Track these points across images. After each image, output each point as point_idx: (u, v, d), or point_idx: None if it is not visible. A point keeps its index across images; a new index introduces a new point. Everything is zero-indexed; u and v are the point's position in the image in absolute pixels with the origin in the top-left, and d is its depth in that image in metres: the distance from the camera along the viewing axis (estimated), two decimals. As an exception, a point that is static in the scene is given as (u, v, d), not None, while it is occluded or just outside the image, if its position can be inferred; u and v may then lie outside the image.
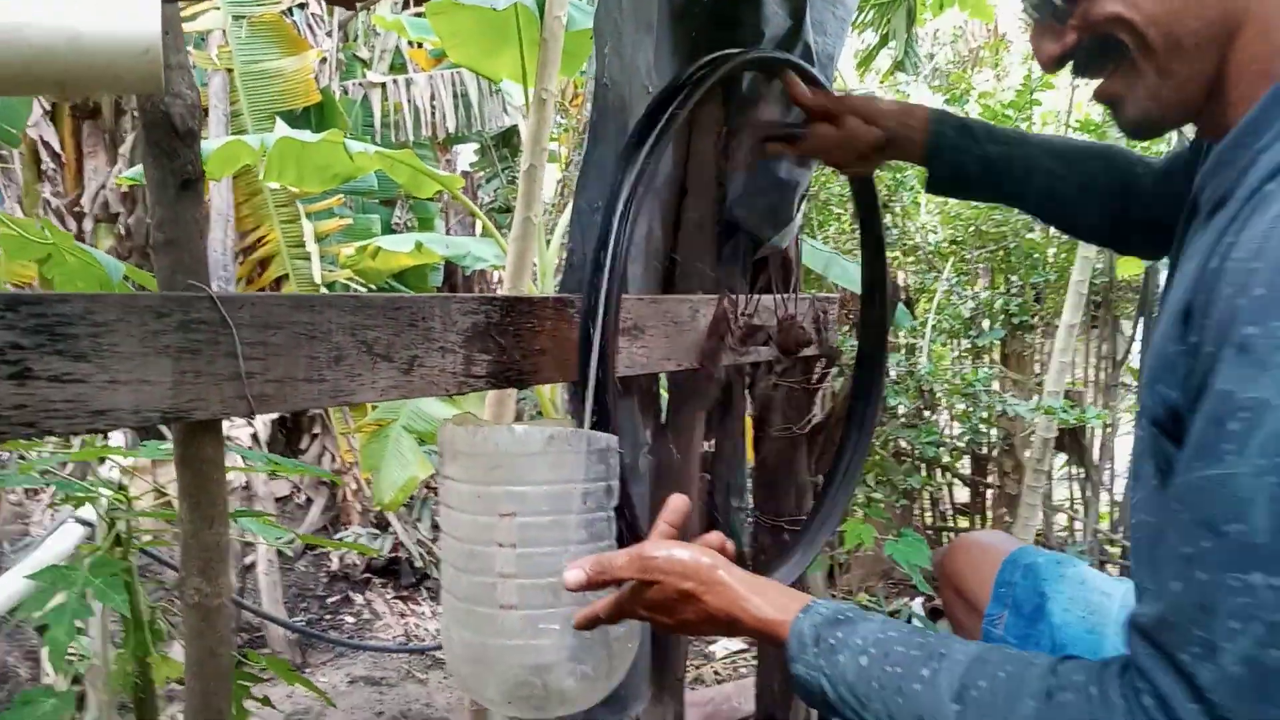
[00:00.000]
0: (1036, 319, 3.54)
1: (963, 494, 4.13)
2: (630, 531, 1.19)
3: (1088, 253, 2.77)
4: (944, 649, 0.76)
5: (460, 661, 1.09)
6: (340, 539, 4.44)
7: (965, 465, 3.98)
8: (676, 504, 0.99)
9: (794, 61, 1.50)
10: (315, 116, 4.57)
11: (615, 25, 1.38)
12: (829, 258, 3.00)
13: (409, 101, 5.39)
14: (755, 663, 2.74)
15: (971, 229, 3.58)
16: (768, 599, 0.86)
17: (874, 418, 1.74)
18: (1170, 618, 0.64)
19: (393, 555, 4.47)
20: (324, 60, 4.91)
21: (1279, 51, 0.72)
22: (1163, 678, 0.63)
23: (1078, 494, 3.80)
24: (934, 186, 1.35)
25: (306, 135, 3.07)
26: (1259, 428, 0.59)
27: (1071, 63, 0.84)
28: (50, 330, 0.76)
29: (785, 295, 1.62)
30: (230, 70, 4.25)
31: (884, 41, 3.98)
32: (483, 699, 1.06)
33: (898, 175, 3.49)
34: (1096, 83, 0.85)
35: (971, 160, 1.27)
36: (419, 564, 4.43)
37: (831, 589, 3.47)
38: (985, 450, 3.75)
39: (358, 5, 1.48)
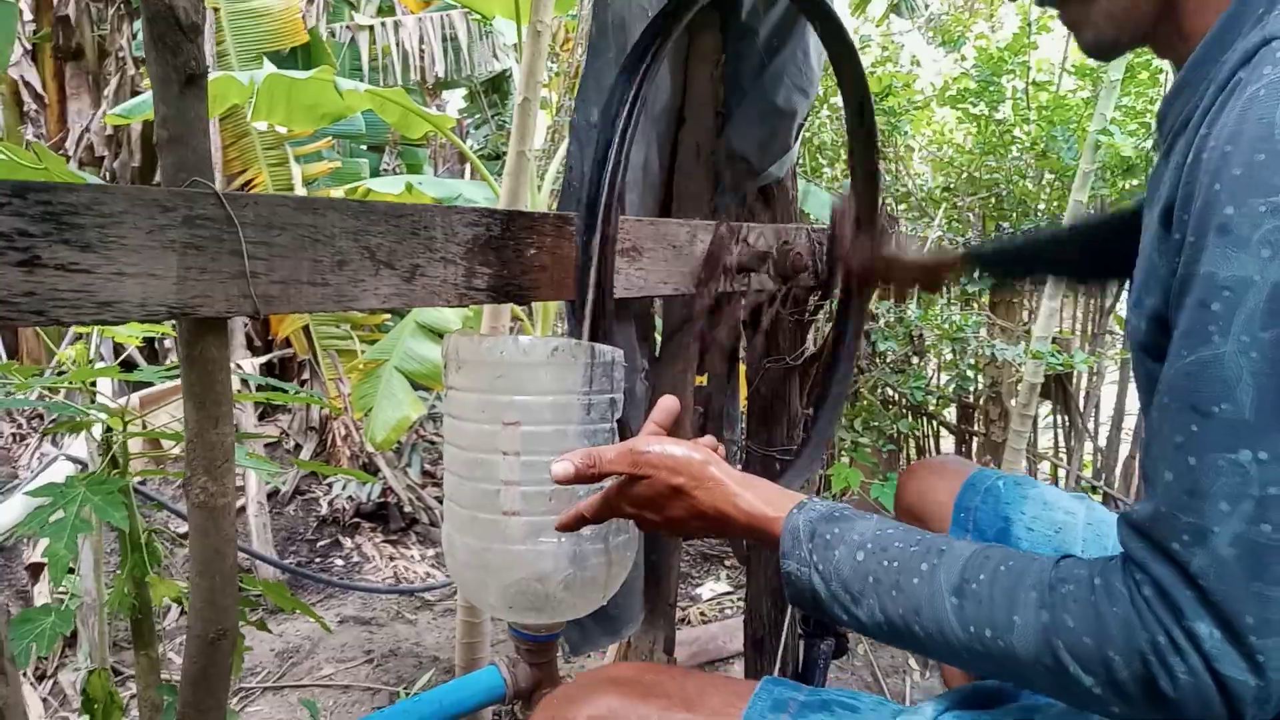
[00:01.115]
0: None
1: (948, 443, 4.17)
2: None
3: (1080, 197, 2.78)
4: (944, 545, 0.76)
5: (463, 567, 1.10)
6: (330, 482, 4.45)
7: (951, 414, 4.02)
8: (667, 404, 0.97)
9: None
10: (302, 58, 4.51)
11: (615, -59, 1.37)
12: (805, 187, 3.00)
13: (397, 45, 5.33)
14: (742, 604, 2.78)
15: (964, 175, 3.59)
16: (760, 495, 0.85)
17: (857, 346, 1.76)
18: (1162, 508, 0.64)
19: (381, 500, 4.50)
20: (311, 1, 4.83)
21: None
22: (1157, 568, 0.64)
23: (1063, 442, 3.84)
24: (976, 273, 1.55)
25: (295, 73, 3.03)
26: (1241, 305, 0.60)
27: None
28: (57, 219, 0.76)
29: (783, 224, 1.62)
30: (216, 9, 4.18)
31: (879, -15, 3.95)
32: (483, 603, 1.08)
33: (892, 120, 3.48)
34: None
35: (1009, 256, 1.49)
36: (408, 509, 4.45)
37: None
38: (972, 398, 3.79)
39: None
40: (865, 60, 4.35)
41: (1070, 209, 2.81)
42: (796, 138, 1.76)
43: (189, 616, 0.98)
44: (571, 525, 0.94)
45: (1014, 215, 3.47)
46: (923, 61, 4.98)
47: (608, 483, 0.91)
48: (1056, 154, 3.23)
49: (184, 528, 3.62)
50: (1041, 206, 3.46)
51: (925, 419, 3.95)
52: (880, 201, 1.75)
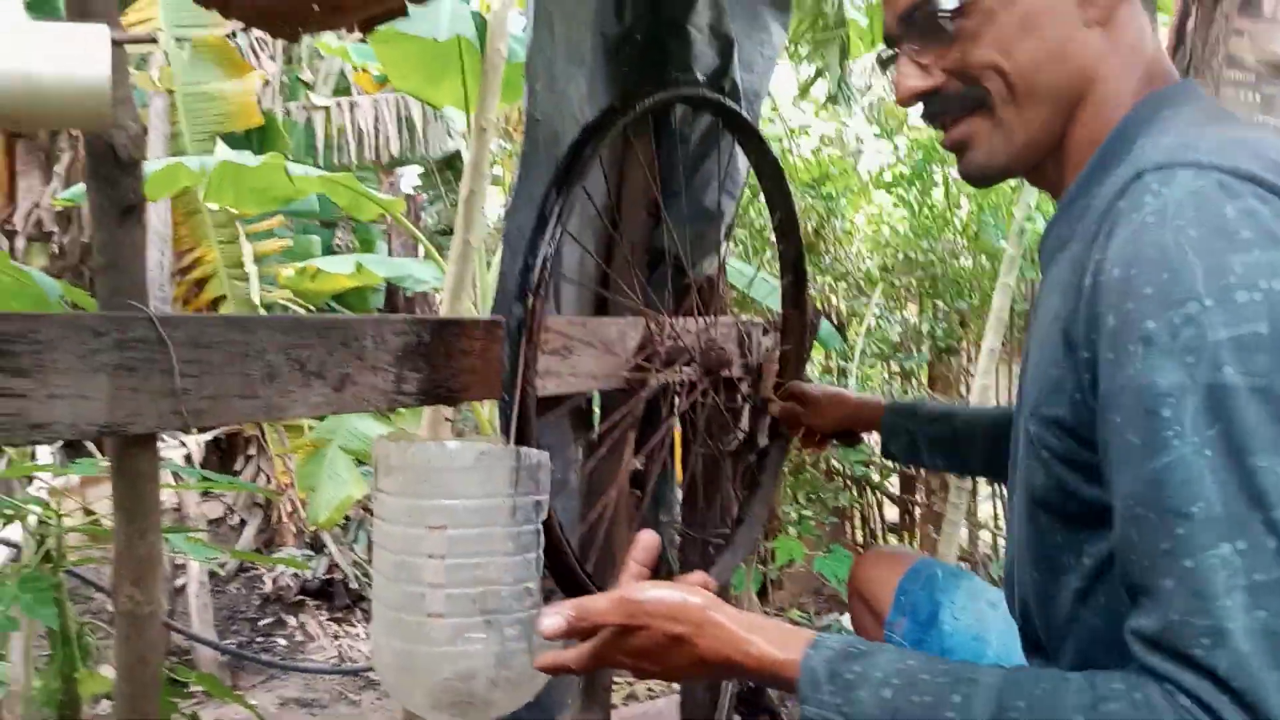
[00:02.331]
0: (961, 343, 3.68)
1: (893, 512, 4.25)
2: (554, 546, 1.25)
3: (1008, 280, 2.90)
4: (971, 674, 0.73)
5: (389, 669, 1.13)
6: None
7: (895, 483, 4.09)
8: (648, 541, 0.93)
9: (716, 99, 1.58)
10: (257, 139, 4.57)
11: (547, 62, 1.45)
12: (752, 274, 3.10)
13: (353, 124, 5.41)
14: (688, 680, 2.79)
15: (900, 256, 3.72)
16: (768, 637, 0.80)
17: (788, 442, 1.83)
18: (1173, 616, 0.65)
19: (327, 577, 4.44)
20: (267, 83, 4.91)
21: (1108, 125, 0.83)
22: (1188, 677, 0.64)
23: (1001, 511, 3.93)
24: (894, 457, 1.61)
25: (247, 158, 3.09)
26: (1185, 410, 0.65)
27: (925, 103, 0.90)
28: (-8, 347, 0.80)
29: (709, 319, 1.69)
30: (171, 91, 4.24)
31: (819, 75, 4.11)
32: (411, 705, 1.10)
33: (830, 204, 3.61)
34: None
35: (920, 437, 1.51)
36: (354, 585, 4.40)
37: (764, 605, 3.55)
38: (914, 469, 3.87)
39: (300, 35, 1.52)
40: (807, 144, 4.52)
41: (998, 290, 2.93)
42: (726, 238, 1.84)
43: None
44: (554, 672, 0.91)
45: (948, 295, 3.60)
46: (865, 144, 5.17)
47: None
48: (987, 237, 3.37)
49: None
50: (974, 286, 3.59)
51: (869, 490, 4.02)
52: (808, 332, 1.84)
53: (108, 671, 1.57)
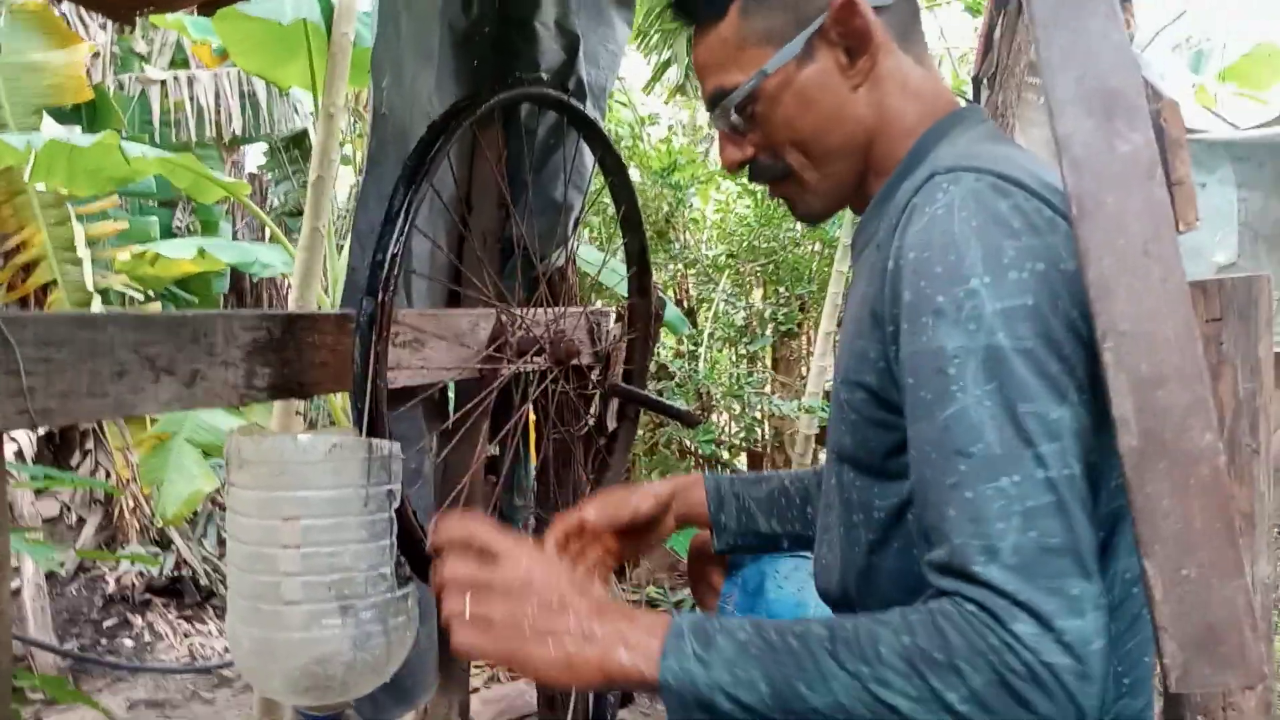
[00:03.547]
0: (802, 326, 3.88)
1: (743, 489, 4.44)
2: (408, 533, 1.30)
3: (842, 267, 3.08)
4: (812, 619, 0.81)
5: (248, 656, 1.16)
6: (118, 557, 4.23)
7: (743, 461, 4.28)
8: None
9: (560, 98, 1.65)
10: (88, 113, 4.33)
11: (395, 57, 1.48)
12: (600, 259, 3.20)
13: (192, 100, 5.19)
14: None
15: (745, 244, 3.88)
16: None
17: (637, 415, 1.92)
18: (955, 540, 0.76)
19: (175, 574, 4.30)
20: (97, 55, 4.65)
21: (899, 153, 0.99)
22: (970, 589, 0.74)
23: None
24: (732, 543, 1.35)
25: (78, 137, 2.95)
26: (967, 369, 0.77)
27: (750, 169, 1.05)
28: None
29: (558, 310, 1.76)
30: (-13, 62, 3.97)
31: (667, 64, 4.22)
32: (270, 691, 1.14)
33: (678, 193, 3.73)
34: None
35: (745, 502, 1.33)
36: (204, 582, 4.28)
37: (620, 582, 3.66)
38: (760, 447, 4.06)
39: (135, 19, 1.48)
40: (657, 132, 4.63)
41: (834, 276, 3.11)
42: (574, 229, 1.91)
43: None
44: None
45: (789, 281, 3.78)
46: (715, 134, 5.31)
47: None
48: (824, 227, 3.56)
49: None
50: (813, 273, 3.79)
51: (719, 468, 4.19)
52: (653, 319, 1.92)
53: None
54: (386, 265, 1.27)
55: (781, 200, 1.08)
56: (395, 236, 1.28)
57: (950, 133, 0.97)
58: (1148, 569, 0.72)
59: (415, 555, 1.37)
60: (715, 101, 1.01)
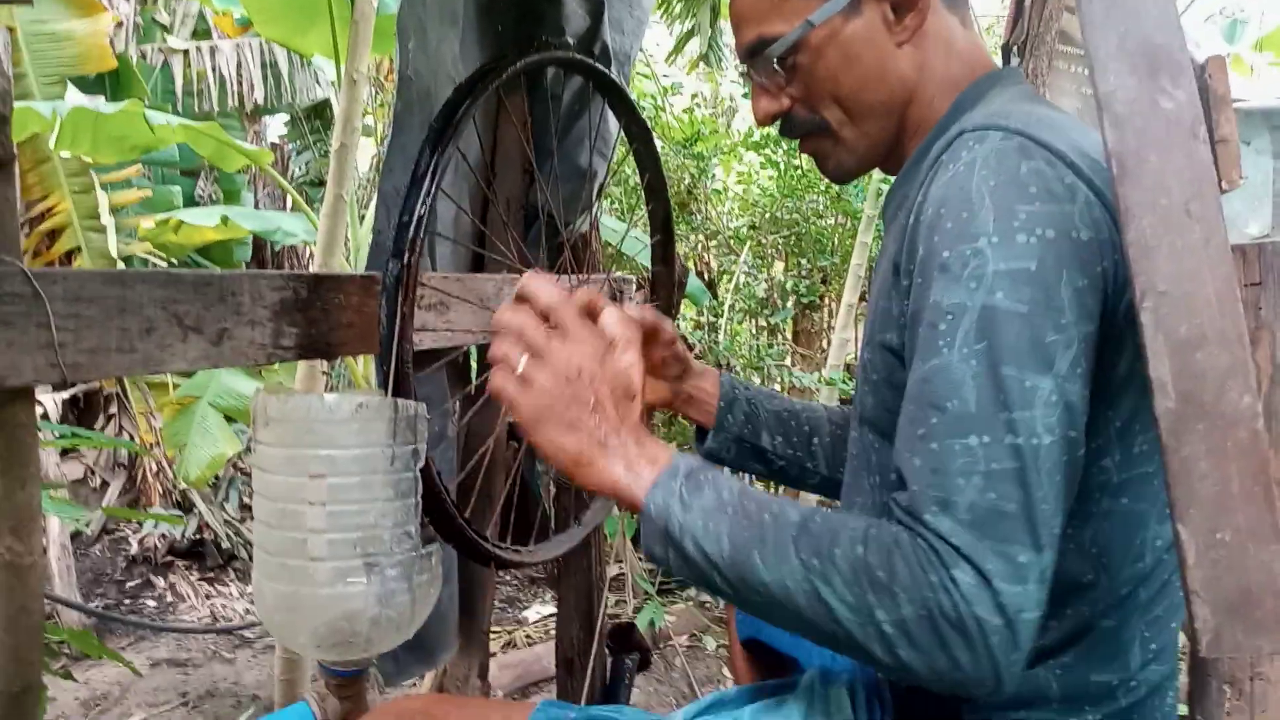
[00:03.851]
0: (824, 299, 3.86)
1: (761, 462, 4.44)
2: (432, 494, 1.31)
3: (865, 238, 3.06)
4: (780, 504, 0.83)
5: (272, 611, 1.17)
6: (141, 520, 4.28)
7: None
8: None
9: (586, 62, 1.64)
10: (111, 83, 4.34)
11: (419, 21, 1.47)
12: (623, 230, 3.19)
13: (214, 70, 5.20)
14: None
15: (767, 216, 3.86)
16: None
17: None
18: (915, 487, 0.78)
19: (197, 537, 4.36)
20: (120, 24, 4.66)
21: (936, 115, 0.97)
22: (923, 529, 0.76)
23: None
24: (716, 454, 1.32)
25: (102, 104, 2.96)
26: (960, 325, 0.77)
27: (780, 121, 1.03)
28: None
29: (582, 276, 1.76)
30: (12, 29, 3.98)
31: (690, 35, 4.18)
32: (295, 646, 1.15)
33: (701, 164, 3.70)
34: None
35: (762, 410, 1.31)
36: (225, 545, 4.33)
37: (638, 550, 3.68)
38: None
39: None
40: (679, 103, 4.60)
41: (857, 248, 3.09)
42: (599, 196, 1.90)
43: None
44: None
45: (811, 253, 3.76)
46: (740, 105, 5.29)
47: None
48: (848, 198, 3.53)
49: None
50: (836, 245, 3.76)
51: (739, 442, 4.19)
52: (676, 287, 1.91)
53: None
54: (412, 227, 1.26)
55: (812, 155, 1.06)
56: (421, 199, 1.28)
57: (988, 93, 0.96)
58: (1181, 533, 0.72)
59: (439, 515, 1.38)
60: (755, 52, 0.98)
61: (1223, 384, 0.71)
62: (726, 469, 1.04)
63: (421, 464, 1.23)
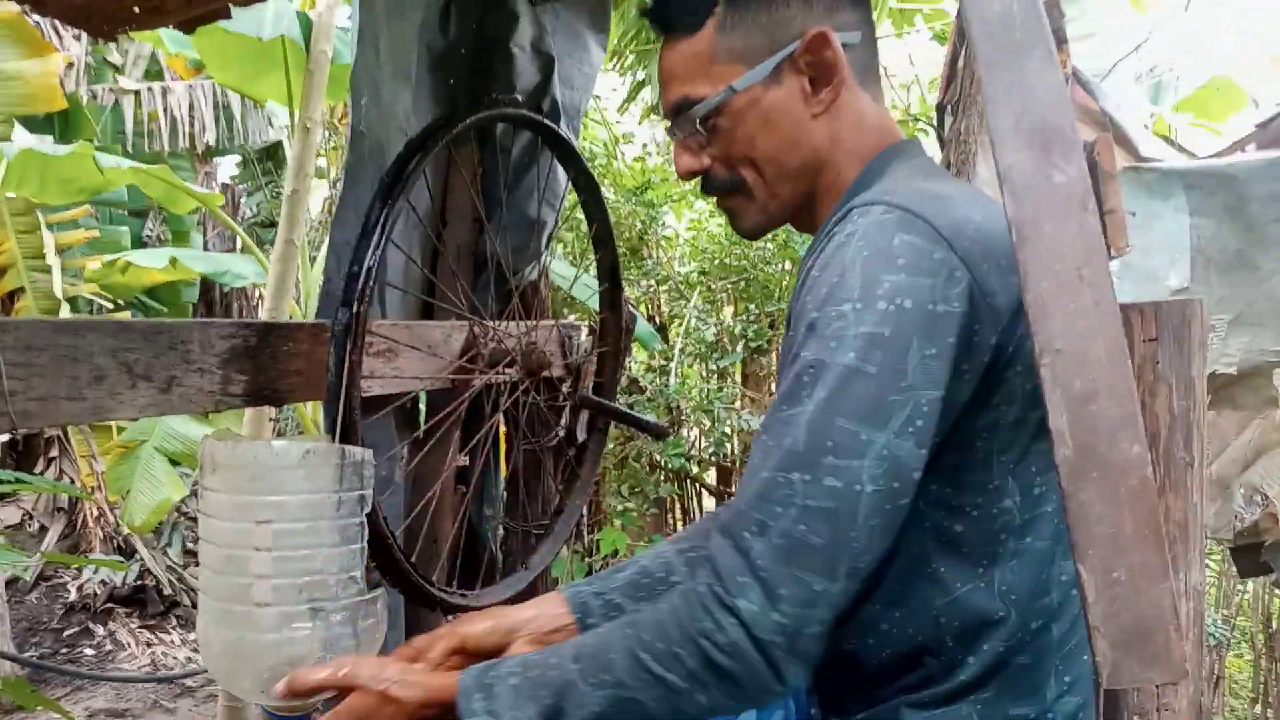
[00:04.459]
0: (771, 343, 3.94)
1: (710, 502, 4.48)
2: (380, 539, 1.33)
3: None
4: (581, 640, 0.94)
5: (218, 656, 1.18)
6: (80, 566, 4.19)
7: (712, 476, 4.32)
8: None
9: (535, 119, 1.69)
10: (60, 122, 4.32)
11: (372, 77, 1.52)
12: (573, 274, 3.24)
13: (165, 110, 5.19)
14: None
15: (716, 262, 3.94)
16: (442, 677, 0.98)
17: (607, 427, 1.95)
18: (741, 506, 0.86)
19: (139, 583, 4.27)
20: (71, 65, 4.64)
21: (845, 182, 1.04)
22: (723, 558, 0.84)
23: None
24: None
25: (51, 146, 2.96)
26: (816, 378, 0.85)
27: (702, 179, 1.09)
28: None
29: (530, 323, 1.80)
30: (-41, 68, 3.95)
31: (642, 85, 4.28)
32: (240, 691, 1.16)
33: (652, 211, 3.78)
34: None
35: (609, 596, 1.26)
36: (168, 591, 4.26)
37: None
38: (729, 462, 4.10)
39: (118, 35, 1.50)
40: (631, 151, 4.69)
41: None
42: (547, 245, 1.95)
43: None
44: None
45: (759, 298, 3.84)
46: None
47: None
48: (794, 245, 3.62)
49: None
50: (783, 291, 3.85)
51: (688, 482, 4.23)
52: (624, 333, 1.96)
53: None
54: (362, 277, 1.30)
55: (726, 212, 1.11)
56: (371, 250, 1.32)
57: (889, 165, 1.02)
58: (1081, 572, 0.77)
59: (386, 560, 1.40)
60: (679, 110, 1.04)
61: (1114, 434, 0.77)
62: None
63: (368, 509, 1.25)
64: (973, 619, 0.92)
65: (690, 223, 4.40)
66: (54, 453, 4.55)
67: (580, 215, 3.42)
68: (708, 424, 3.87)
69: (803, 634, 0.82)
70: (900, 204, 0.89)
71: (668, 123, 1.09)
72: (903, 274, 0.85)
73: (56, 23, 4.56)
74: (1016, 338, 0.89)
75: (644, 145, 4.50)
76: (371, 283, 1.30)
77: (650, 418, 1.99)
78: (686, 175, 1.09)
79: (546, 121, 1.72)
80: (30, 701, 1.65)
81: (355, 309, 1.28)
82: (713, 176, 1.07)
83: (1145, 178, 2.35)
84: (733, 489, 4.24)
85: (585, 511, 3.72)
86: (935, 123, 2.63)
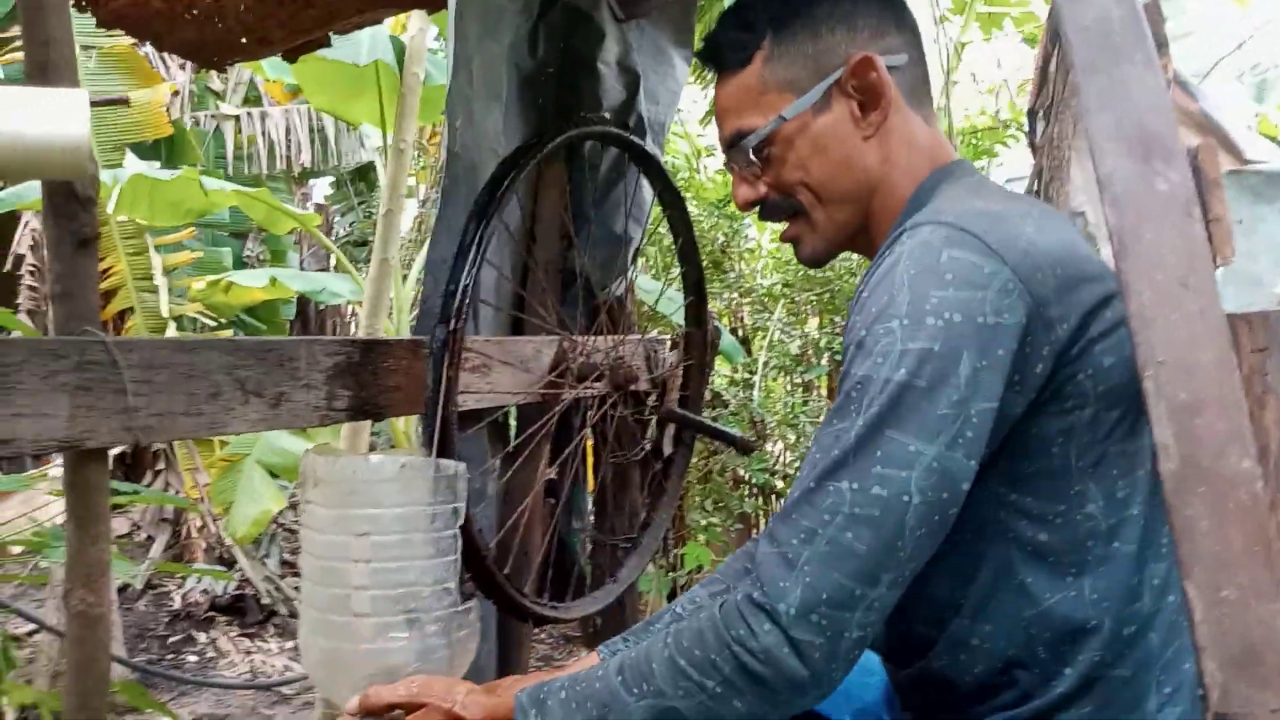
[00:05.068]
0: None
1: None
2: (474, 550, 1.36)
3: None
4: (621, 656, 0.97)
5: (316, 665, 1.22)
6: (184, 576, 4.37)
7: (797, 492, 4.28)
8: None
9: (622, 135, 1.72)
10: (166, 148, 4.53)
11: (466, 99, 1.56)
12: (658, 289, 3.26)
13: (263, 134, 5.40)
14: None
15: (800, 273, 3.91)
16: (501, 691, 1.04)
17: (693, 440, 1.96)
18: (791, 514, 0.87)
19: (238, 593, 4.42)
20: (176, 93, 4.87)
21: (899, 204, 1.05)
22: (767, 567, 0.86)
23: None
24: None
25: (159, 172, 3.11)
26: (866, 394, 0.87)
27: (758, 208, 1.12)
28: (-41, 370, 0.88)
29: (617, 338, 1.82)
30: (76, 100, 4.18)
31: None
32: (338, 699, 1.19)
33: (734, 224, 3.78)
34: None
35: None
36: (266, 600, 4.40)
37: (673, 609, 3.68)
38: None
39: (227, 66, 1.59)
40: (713, 164, 4.69)
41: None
42: (634, 261, 1.97)
43: (64, 717, 1.07)
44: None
45: (845, 310, 3.80)
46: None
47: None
48: (880, 257, 3.58)
49: (20, 629, 3.49)
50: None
51: (773, 497, 4.20)
52: (709, 347, 1.97)
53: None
54: (459, 295, 1.34)
55: (790, 242, 1.14)
56: (466, 269, 1.36)
57: (939, 186, 1.03)
58: (1188, 590, 0.75)
59: (479, 571, 1.43)
60: (733, 143, 1.08)
61: (1222, 448, 0.74)
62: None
63: (461, 522, 1.28)
64: (1064, 629, 0.91)
65: (773, 234, 4.39)
66: (160, 466, 4.75)
67: (663, 230, 3.44)
68: (792, 438, 3.85)
69: (842, 637, 0.84)
70: (948, 221, 0.90)
71: (724, 158, 1.12)
72: (950, 289, 0.86)
73: (164, 53, 4.79)
74: (1082, 342, 0.89)
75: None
76: (467, 300, 1.33)
77: (735, 431, 1.99)
78: (745, 206, 1.11)
79: (633, 138, 1.75)
80: (142, 703, 1.72)
81: (452, 326, 1.32)
82: (770, 204, 1.10)
83: (1250, 181, 2.27)
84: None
85: (669, 527, 3.73)
86: (1026, 128, 2.58)
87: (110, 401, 0.99)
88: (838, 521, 0.84)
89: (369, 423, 2.35)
